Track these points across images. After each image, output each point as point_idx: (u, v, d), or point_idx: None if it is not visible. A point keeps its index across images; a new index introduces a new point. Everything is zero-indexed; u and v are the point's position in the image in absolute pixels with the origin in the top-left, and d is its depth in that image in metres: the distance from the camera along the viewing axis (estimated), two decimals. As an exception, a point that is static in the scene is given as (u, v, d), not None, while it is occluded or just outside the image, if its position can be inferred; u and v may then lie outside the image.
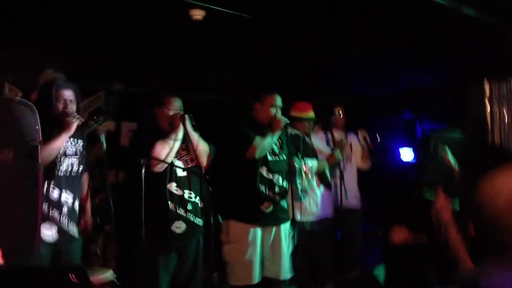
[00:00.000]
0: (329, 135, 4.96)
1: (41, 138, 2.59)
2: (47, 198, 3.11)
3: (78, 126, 3.16)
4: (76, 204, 3.33)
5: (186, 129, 3.50)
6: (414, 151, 5.82)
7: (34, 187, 2.57)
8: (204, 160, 3.64)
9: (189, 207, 3.52)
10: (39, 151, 2.58)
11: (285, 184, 4.01)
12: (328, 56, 4.83)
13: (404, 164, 6.06)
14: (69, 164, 3.28)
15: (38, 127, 2.57)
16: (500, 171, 1.25)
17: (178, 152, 3.55)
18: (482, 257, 1.16)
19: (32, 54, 4.29)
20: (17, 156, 2.50)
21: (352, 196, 4.87)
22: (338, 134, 5.01)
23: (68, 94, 3.28)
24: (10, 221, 2.45)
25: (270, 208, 3.92)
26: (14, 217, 2.47)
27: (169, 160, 3.45)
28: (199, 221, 3.58)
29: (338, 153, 4.76)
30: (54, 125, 3.12)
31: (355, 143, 5.12)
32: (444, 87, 5.76)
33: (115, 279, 3.50)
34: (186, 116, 3.50)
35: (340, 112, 5.05)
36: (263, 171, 3.94)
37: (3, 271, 2.61)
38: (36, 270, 2.76)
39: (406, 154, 6.08)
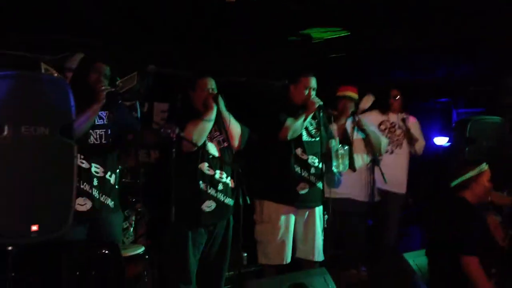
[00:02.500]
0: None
1: (75, 115, 2.63)
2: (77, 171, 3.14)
3: (108, 97, 3.17)
4: (110, 176, 3.32)
5: (219, 109, 3.50)
6: (449, 135, 5.71)
7: (69, 164, 2.61)
8: (236, 141, 3.63)
9: (220, 187, 3.53)
10: (74, 127, 2.62)
11: (320, 165, 3.99)
12: (366, 42, 4.75)
13: (438, 149, 5.96)
14: (97, 136, 3.27)
15: (73, 104, 2.61)
16: None
17: (210, 133, 3.55)
18: None
19: (68, 37, 4.36)
20: (52, 133, 2.54)
21: (397, 181, 4.82)
22: (393, 117, 4.97)
23: (104, 68, 3.30)
24: (46, 197, 2.50)
25: (306, 190, 3.92)
26: (49, 194, 2.51)
27: (201, 140, 3.46)
28: (229, 201, 3.59)
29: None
30: (89, 98, 3.16)
31: (413, 127, 5.02)
32: (482, 73, 5.62)
33: (146, 256, 3.57)
34: (219, 97, 3.51)
35: (396, 94, 4.98)
36: (298, 152, 3.94)
37: (39, 246, 2.68)
38: (70, 245, 2.83)
39: (440, 139, 5.98)
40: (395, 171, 4.81)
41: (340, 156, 4.07)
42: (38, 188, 2.46)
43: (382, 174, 4.54)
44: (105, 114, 3.35)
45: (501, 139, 4.29)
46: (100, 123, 3.31)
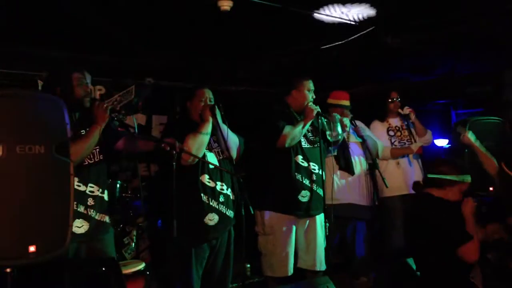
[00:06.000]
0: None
1: (70, 133, 2.60)
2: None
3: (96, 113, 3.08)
4: (103, 193, 3.24)
5: (215, 120, 3.48)
6: (448, 137, 5.68)
7: (65, 183, 2.58)
8: (234, 152, 3.61)
9: (221, 199, 3.51)
10: (70, 146, 2.59)
11: (320, 172, 3.97)
12: (362, 43, 4.70)
13: (438, 150, 5.92)
14: (91, 156, 3.16)
15: (68, 121, 2.58)
16: None
17: (209, 144, 3.54)
18: None
19: (65, 53, 4.35)
20: (48, 151, 2.51)
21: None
22: (393, 120, 4.95)
23: (83, 76, 3.17)
24: (43, 218, 2.47)
25: (307, 197, 3.90)
26: (46, 213, 2.48)
27: (201, 153, 3.43)
28: (230, 213, 3.57)
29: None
30: (77, 111, 3.10)
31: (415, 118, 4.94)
32: (482, 72, 5.59)
33: (147, 272, 3.53)
34: (216, 108, 3.49)
35: (395, 97, 4.94)
36: (298, 159, 3.92)
37: (37, 266, 2.65)
38: (70, 263, 2.81)
39: (441, 141, 5.94)
40: (411, 175, 4.75)
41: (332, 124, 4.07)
42: (34, 208, 2.43)
43: (383, 178, 4.50)
44: None
45: (501, 139, 4.23)
46: None
